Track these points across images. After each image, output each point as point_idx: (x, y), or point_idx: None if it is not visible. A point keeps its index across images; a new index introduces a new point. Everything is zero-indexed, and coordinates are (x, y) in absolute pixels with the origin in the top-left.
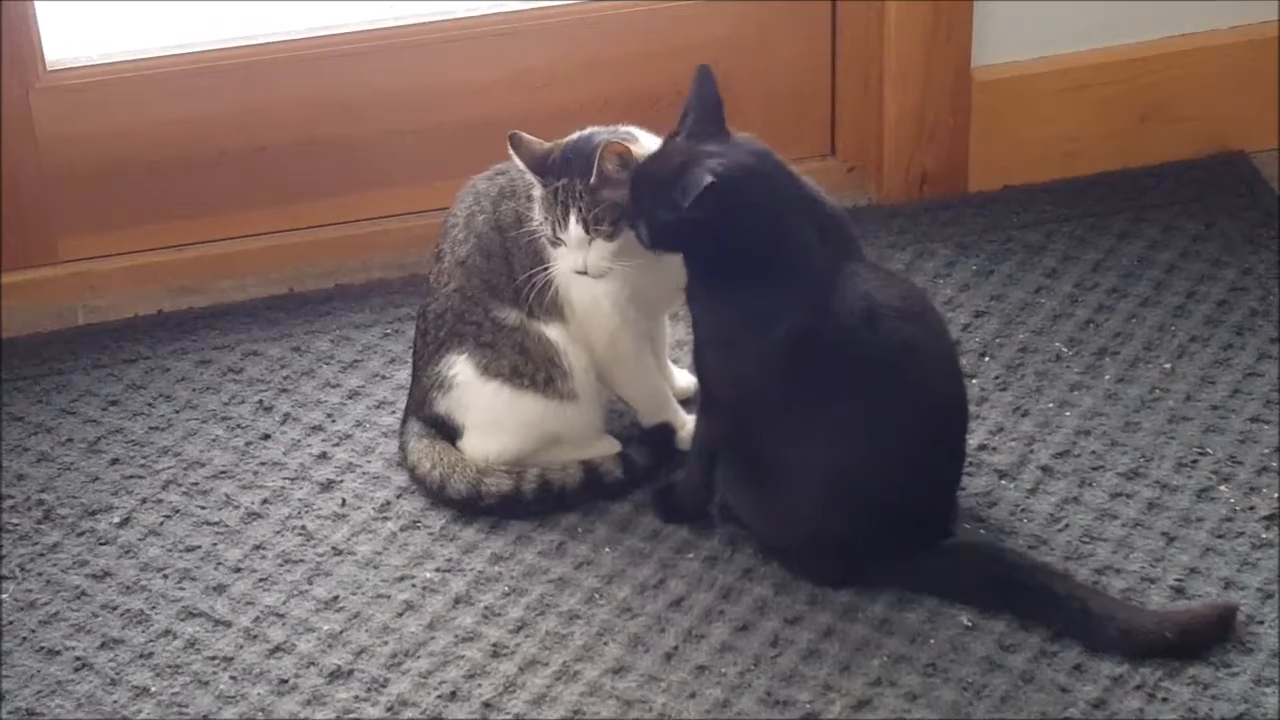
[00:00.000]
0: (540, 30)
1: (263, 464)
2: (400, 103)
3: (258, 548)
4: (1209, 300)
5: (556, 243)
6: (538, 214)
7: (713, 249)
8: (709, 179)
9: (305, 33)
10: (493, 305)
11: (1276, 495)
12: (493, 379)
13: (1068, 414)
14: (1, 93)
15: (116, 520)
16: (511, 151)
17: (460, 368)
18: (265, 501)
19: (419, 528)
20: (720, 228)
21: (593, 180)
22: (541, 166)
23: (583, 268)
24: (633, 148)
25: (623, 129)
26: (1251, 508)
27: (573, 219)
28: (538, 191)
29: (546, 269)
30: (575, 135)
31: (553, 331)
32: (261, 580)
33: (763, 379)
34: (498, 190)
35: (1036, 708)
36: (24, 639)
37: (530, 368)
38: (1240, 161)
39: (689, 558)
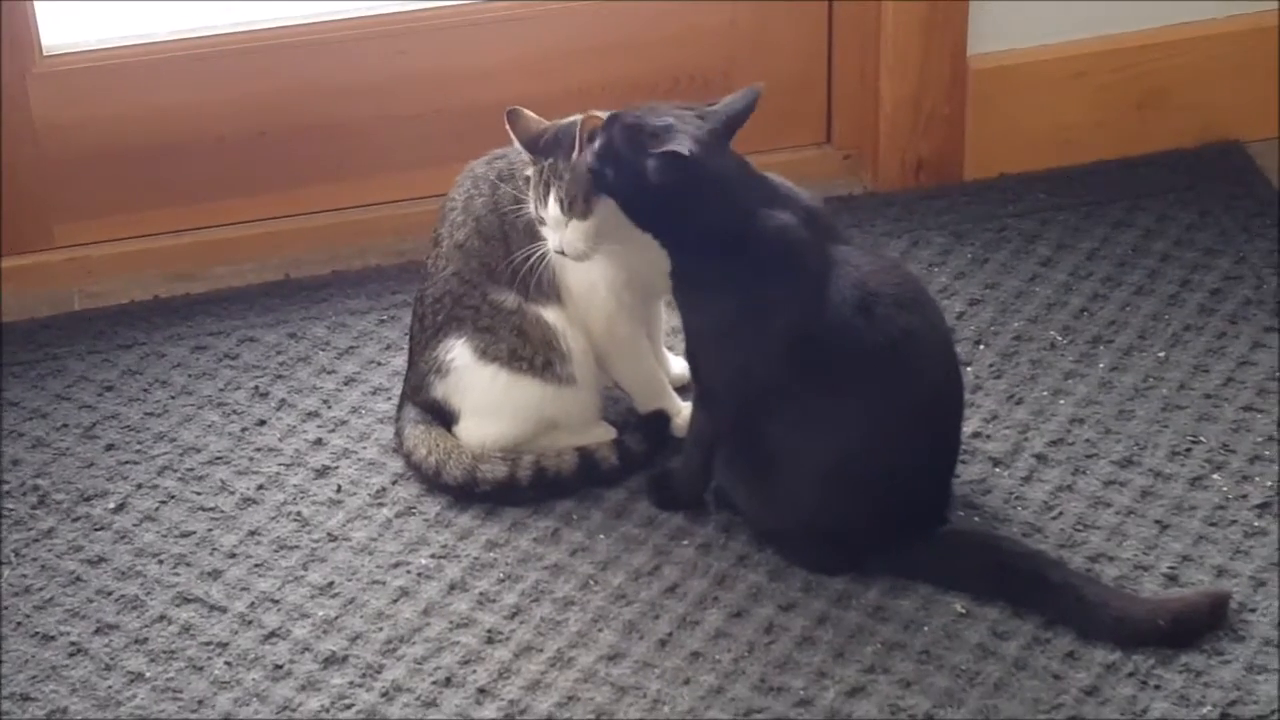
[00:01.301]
0: (539, 17)
1: (258, 450)
2: (398, 89)
3: (253, 533)
4: (1203, 289)
5: (541, 222)
6: (529, 193)
7: (653, 211)
8: (686, 150)
9: (303, 18)
10: (491, 289)
11: (1269, 484)
12: (491, 363)
13: (1062, 402)
14: None
15: (112, 506)
16: (508, 126)
17: (458, 352)
18: (261, 487)
19: (414, 514)
20: (669, 200)
21: (575, 155)
22: (534, 145)
23: (560, 248)
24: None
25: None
26: (1244, 496)
27: (552, 197)
28: (530, 170)
29: (543, 250)
30: (573, 117)
31: (551, 314)
32: (256, 566)
33: (761, 371)
34: (496, 174)
35: (1029, 695)
36: (19, 624)
37: (529, 351)
38: (1236, 151)
39: (683, 544)
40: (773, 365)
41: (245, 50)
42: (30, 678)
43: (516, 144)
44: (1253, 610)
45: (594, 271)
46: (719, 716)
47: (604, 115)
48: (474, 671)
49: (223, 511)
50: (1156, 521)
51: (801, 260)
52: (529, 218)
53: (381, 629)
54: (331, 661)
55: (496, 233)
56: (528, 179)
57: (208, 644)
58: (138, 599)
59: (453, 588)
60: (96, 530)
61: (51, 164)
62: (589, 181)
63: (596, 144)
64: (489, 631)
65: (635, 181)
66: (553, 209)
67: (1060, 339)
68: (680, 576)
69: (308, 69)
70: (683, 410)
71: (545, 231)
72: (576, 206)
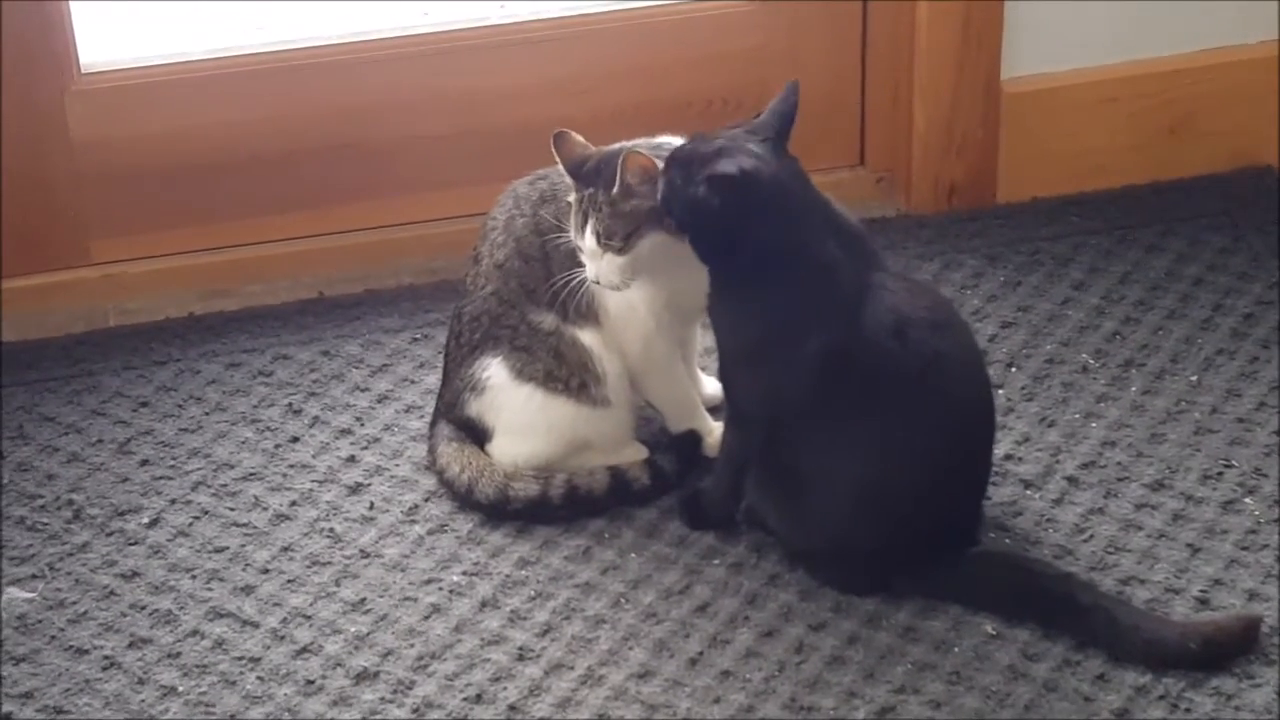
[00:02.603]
0: (573, 37)
1: (291, 466)
2: (433, 108)
3: (286, 549)
4: (1235, 314)
5: (579, 249)
6: (569, 220)
7: (719, 240)
8: (734, 170)
9: (338, 38)
10: (529, 309)
11: None
12: (526, 383)
13: (1094, 425)
14: (36, 95)
15: (146, 521)
16: (554, 149)
17: (494, 370)
18: (294, 504)
19: (446, 531)
20: (731, 221)
21: (615, 191)
22: (578, 171)
23: (595, 278)
24: (660, 162)
25: (661, 140)
26: (1276, 520)
27: (589, 229)
28: (572, 196)
29: (582, 275)
30: (617, 145)
31: (587, 337)
32: (289, 581)
33: (792, 393)
34: (538, 194)
35: (1060, 717)
36: (53, 637)
37: (564, 372)
38: (1268, 175)
39: (714, 564)
40: (804, 387)
41: (280, 70)
42: (64, 691)
43: (560, 167)
44: None
45: (634, 293)
46: None
47: (646, 151)
48: (505, 689)
49: (255, 527)
50: (1188, 545)
51: (835, 283)
52: (570, 241)
53: (413, 645)
54: (363, 677)
55: (537, 254)
56: (569, 204)
57: (240, 659)
58: (171, 614)
59: (484, 605)
60: (130, 545)
61: (88, 181)
62: (627, 219)
63: (661, 189)
64: (520, 649)
65: (698, 212)
66: (589, 241)
67: (1092, 362)
68: (711, 595)
69: (341, 89)
70: (715, 430)
71: (583, 258)
72: (614, 242)
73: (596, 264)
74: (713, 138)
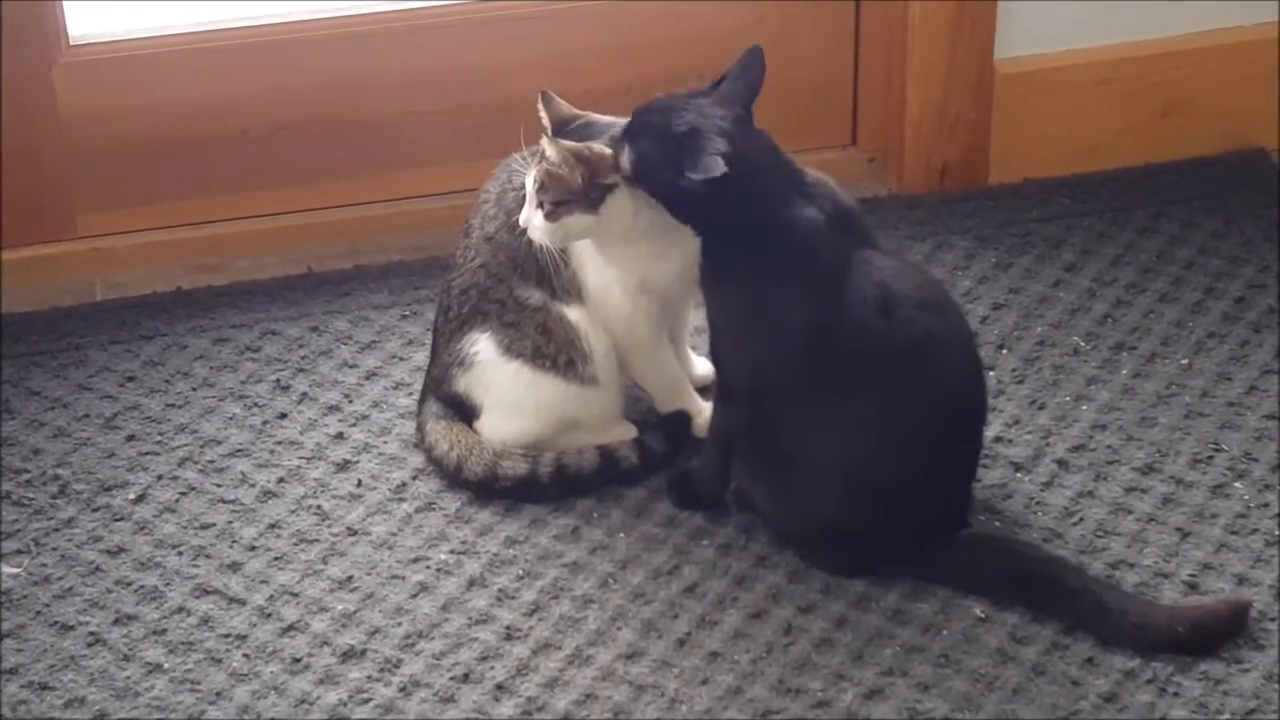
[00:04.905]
0: (565, 15)
1: (279, 443)
2: (422, 84)
3: (273, 526)
4: (1227, 297)
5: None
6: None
7: (692, 215)
8: (724, 169)
9: (328, 12)
10: (517, 284)
11: None
12: (514, 359)
13: (1084, 408)
14: (24, 67)
15: (132, 496)
16: (540, 107)
17: (482, 346)
18: (281, 480)
19: (434, 509)
20: (707, 203)
21: (536, 166)
22: (561, 130)
23: (524, 223)
24: (599, 149)
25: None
26: (1265, 505)
27: (531, 175)
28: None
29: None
30: (608, 118)
31: (575, 314)
32: (276, 559)
33: (779, 368)
34: None
35: (1048, 700)
36: (38, 613)
37: (552, 349)
38: (1261, 159)
39: (703, 544)
40: (789, 363)
41: (271, 44)
42: (49, 667)
43: (545, 122)
44: (1273, 619)
45: (608, 273)
46: (737, 717)
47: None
48: (492, 668)
49: (243, 504)
50: (1177, 529)
51: (817, 257)
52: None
53: (400, 624)
54: (350, 655)
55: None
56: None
57: (226, 636)
58: (157, 590)
59: (472, 584)
60: (116, 521)
61: (76, 154)
62: (558, 186)
63: (628, 159)
64: (508, 628)
65: (674, 189)
66: (529, 184)
67: (1083, 345)
68: (700, 576)
69: (332, 63)
70: (704, 410)
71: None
72: (544, 197)
73: (530, 210)
74: (679, 109)
